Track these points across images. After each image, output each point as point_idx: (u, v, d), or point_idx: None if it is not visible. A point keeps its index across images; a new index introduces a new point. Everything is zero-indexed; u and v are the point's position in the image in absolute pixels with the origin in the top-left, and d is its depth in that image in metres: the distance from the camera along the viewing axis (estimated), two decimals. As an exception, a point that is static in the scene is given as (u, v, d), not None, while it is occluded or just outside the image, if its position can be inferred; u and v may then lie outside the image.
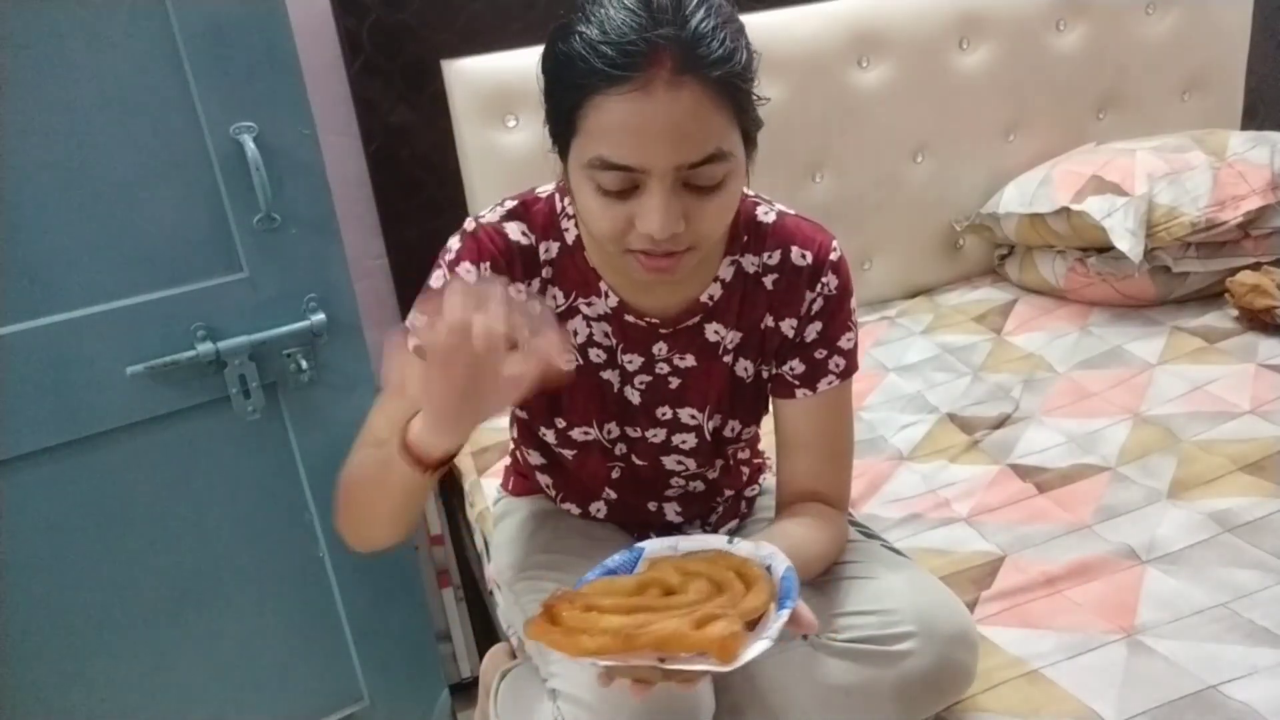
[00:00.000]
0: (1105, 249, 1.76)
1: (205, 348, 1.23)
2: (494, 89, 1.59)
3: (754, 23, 1.91)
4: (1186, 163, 1.77)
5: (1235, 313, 1.71)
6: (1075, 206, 1.76)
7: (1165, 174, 1.75)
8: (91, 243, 1.16)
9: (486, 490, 1.49)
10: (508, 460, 1.25)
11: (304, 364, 1.31)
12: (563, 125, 0.82)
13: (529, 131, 1.62)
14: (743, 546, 0.86)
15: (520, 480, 1.21)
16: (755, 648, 0.73)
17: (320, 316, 1.29)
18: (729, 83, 0.78)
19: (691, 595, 0.78)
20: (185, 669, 1.37)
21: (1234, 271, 1.73)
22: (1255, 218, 1.71)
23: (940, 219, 2.03)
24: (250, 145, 1.18)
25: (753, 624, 0.76)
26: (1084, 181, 1.79)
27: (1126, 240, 1.67)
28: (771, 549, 0.84)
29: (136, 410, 1.24)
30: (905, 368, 1.75)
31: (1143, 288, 1.78)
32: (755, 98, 0.83)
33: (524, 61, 1.61)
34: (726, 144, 0.79)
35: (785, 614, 0.75)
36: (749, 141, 0.84)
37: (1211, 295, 1.79)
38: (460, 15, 1.61)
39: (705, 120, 0.77)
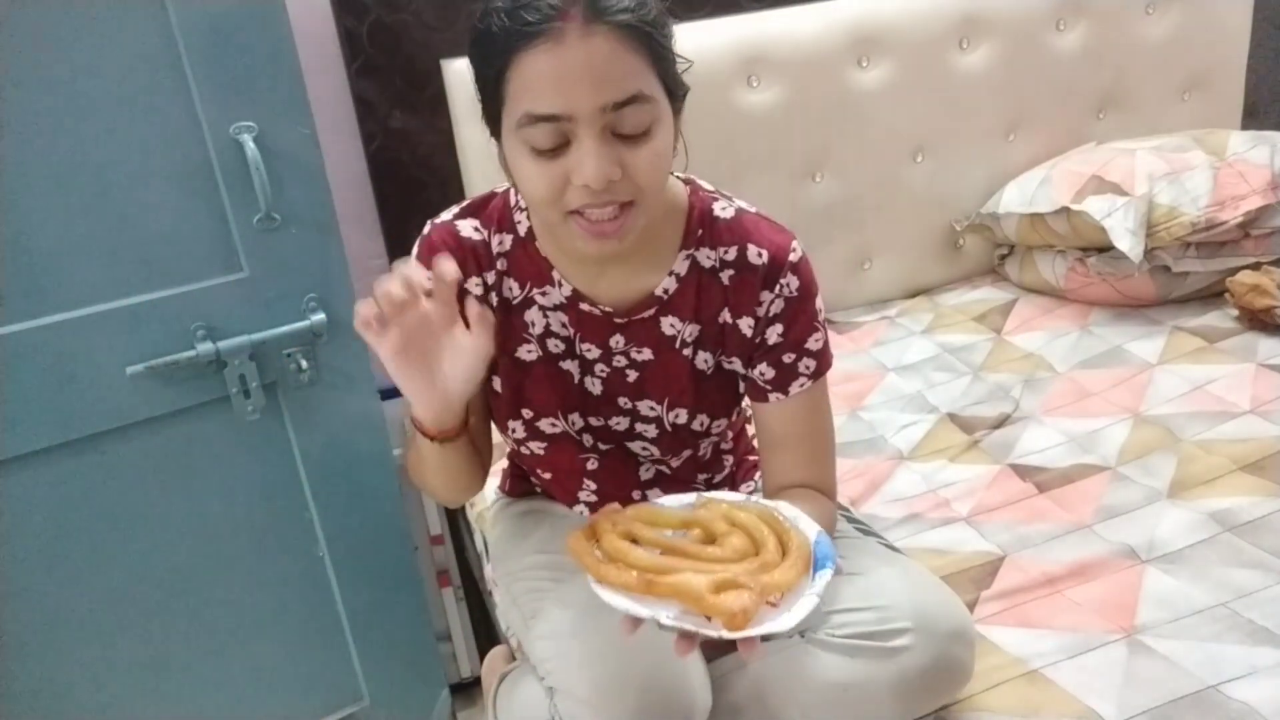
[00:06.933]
0: (1105, 249, 1.76)
1: (205, 348, 1.23)
2: (494, 89, 1.59)
3: (754, 23, 1.92)
4: (1186, 163, 1.77)
5: (1235, 312, 1.71)
6: (1075, 206, 1.76)
7: (1165, 174, 1.75)
8: (91, 243, 1.16)
9: (486, 491, 1.48)
10: (505, 462, 1.25)
11: (304, 364, 1.31)
12: (492, 100, 0.84)
13: (529, 131, 1.62)
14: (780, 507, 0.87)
15: (516, 481, 1.21)
16: (804, 603, 0.75)
17: (320, 316, 1.29)
18: (639, 29, 0.80)
19: (726, 550, 0.78)
20: (185, 669, 1.37)
21: (1234, 271, 1.73)
22: (1255, 217, 1.71)
23: (940, 219, 2.03)
24: (250, 145, 1.18)
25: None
26: (1084, 181, 1.79)
27: (1126, 240, 1.67)
28: (796, 511, 0.85)
29: (136, 410, 1.24)
30: (905, 368, 1.75)
31: (1143, 287, 1.78)
32: (675, 56, 0.86)
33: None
34: (647, 88, 0.82)
35: (829, 572, 0.77)
36: (674, 100, 0.86)
37: (1211, 295, 1.79)
38: (460, 15, 1.61)
39: (621, 62, 0.80)
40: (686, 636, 0.74)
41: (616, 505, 0.85)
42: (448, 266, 0.81)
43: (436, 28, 1.60)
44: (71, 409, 1.20)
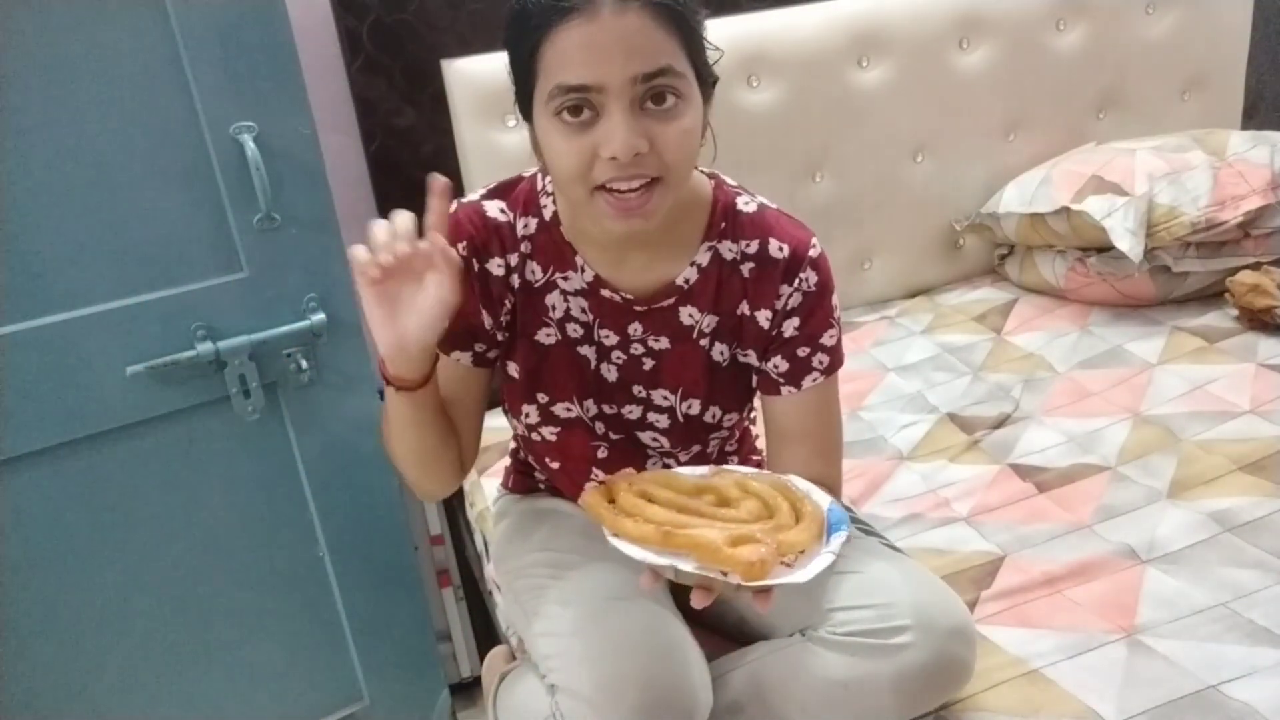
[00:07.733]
0: (1105, 249, 1.76)
1: (205, 348, 1.23)
2: (494, 89, 1.58)
3: (754, 22, 1.92)
4: (1186, 162, 1.77)
5: (1235, 312, 1.71)
6: (1075, 206, 1.76)
7: (1165, 174, 1.75)
8: (91, 243, 1.16)
9: (486, 490, 1.49)
10: (508, 460, 1.25)
11: (304, 364, 1.31)
12: (526, 78, 0.86)
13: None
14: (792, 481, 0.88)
15: (520, 478, 1.22)
16: (820, 560, 0.76)
17: (320, 316, 1.29)
18: (672, 8, 0.82)
19: (741, 512, 0.80)
20: (185, 669, 1.37)
21: (1234, 271, 1.73)
22: (1255, 217, 1.71)
23: (940, 219, 2.03)
24: (250, 145, 1.19)
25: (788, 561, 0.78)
26: (1084, 181, 1.79)
27: (1126, 240, 1.67)
28: (809, 485, 0.87)
29: (136, 410, 1.24)
30: (905, 368, 1.75)
31: (1143, 288, 1.78)
32: (705, 41, 0.87)
33: (524, 61, 1.61)
34: (678, 64, 0.83)
35: (844, 534, 0.79)
36: (704, 86, 0.87)
37: (1211, 295, 1.79)
38: (460, 15, 1.61)
39: (652, 36, 0.81)
40: (704, 587, 0.75)
41: (631, 470, 0.86)
42: (439, 183, 0.84)
43: (437, 27, 1.60)
44: (71, 409, 1.20)
